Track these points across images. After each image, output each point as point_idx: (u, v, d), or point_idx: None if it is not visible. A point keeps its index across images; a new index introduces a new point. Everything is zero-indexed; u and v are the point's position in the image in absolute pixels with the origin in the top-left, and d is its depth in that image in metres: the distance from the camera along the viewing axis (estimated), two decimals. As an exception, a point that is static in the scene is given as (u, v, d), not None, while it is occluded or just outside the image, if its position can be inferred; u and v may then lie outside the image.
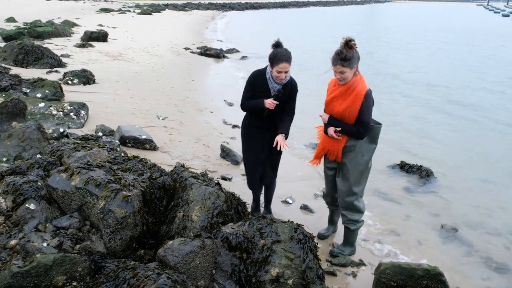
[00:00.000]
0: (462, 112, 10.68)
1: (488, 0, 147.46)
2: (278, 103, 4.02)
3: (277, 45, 3.98)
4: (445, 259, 4.51)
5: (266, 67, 4.13)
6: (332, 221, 4.62)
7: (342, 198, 4.05)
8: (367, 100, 3.65)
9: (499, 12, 77.79)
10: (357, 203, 4.01)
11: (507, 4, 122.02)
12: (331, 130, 3.82)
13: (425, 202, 5.78)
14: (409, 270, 3.42)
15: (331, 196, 4.33)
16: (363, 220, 4.19)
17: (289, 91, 4.12)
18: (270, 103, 3.99)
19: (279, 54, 3.89)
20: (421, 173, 6.44)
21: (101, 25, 21.85)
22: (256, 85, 4.14)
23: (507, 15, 67.01)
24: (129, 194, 3.25)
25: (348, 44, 3.56)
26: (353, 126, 3.74)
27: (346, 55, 3.54)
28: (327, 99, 3.90)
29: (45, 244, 3.17)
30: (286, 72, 3.95)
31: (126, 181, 3.43)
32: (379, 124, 3.89)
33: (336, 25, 39.74)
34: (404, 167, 6.70)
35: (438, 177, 6.48)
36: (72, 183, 3.39)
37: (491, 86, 14.05)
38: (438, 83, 14.15)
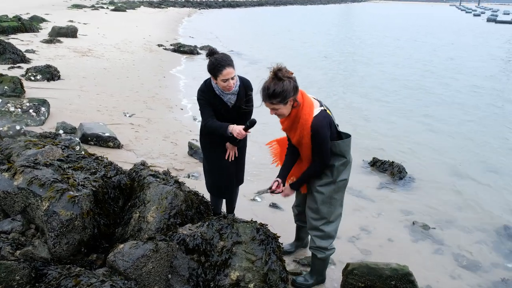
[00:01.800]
0: (431, 108, 10.70)
1: (460, 0, 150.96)
2: (250, 132, 3.50)
3: (212, 52, 3.49)
4: (416, 257, 4.40)
5: (209, 82, 3.64)
6: (298, 238, 4.07)
7: (308, 219, 3.46)
8: (317, 131, 3.04)
9: (470, 12, 79.46)
10: (325, 228, 3.37)
11: (478, 4, 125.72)
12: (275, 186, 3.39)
13: (397, 199, 5.68)
14: (377, 270, 3.28)
15: (299, 210, 3.78)
16: (334, 248, 3.50)
17: (245, 95, 3.66)
18: (239, 133, 3.42)
19: (219, 60, 3.39)
20: (393, 170, 6.33)
21: (71, 21, 21.21)
22: (211, 103, 3.63)
23: (478, 15, 68.71)
24: (76, 194, 3.00)
25: (277, 76, 2.92)
26: (309, 169, 3.24)
27: (274, 90, 2.91)
28: (282, 129, 3.35)
29: (-18, 251, 2.90)
30: (233, 79, 3.45)
31: (75, 181, 3.17)
32: (348, 136, 3.28)
33: (313, 23, 39.83)
34: (376, 163, 6.59)
35: (410, 174, 6.39)
36: (14, 183, 3.12)
37: (462, 81, 14.18)
38: (410, 80, 14.22)
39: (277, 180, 3.43)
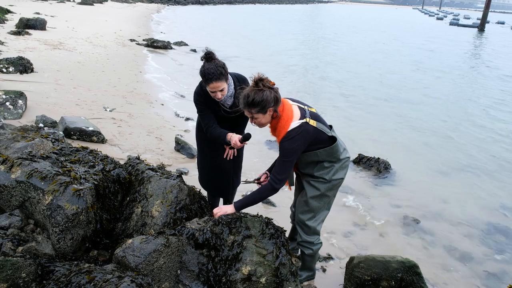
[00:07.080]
0: (410, 105, 10.96)
1: (423, 4, 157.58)
2: (246, 143, 3.46)
3: (208, 57, 3.27)
4: (410, 250, 4.48)
5: (203, 84, 3.46)
6: (292, 238, 3.98)
7: (297, 212, 3.47)
8: (282, 146, 2.99)
9: (433, 16, 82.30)
10: (311, 223, 3.36)
11: (440, 8, 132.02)
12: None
13: (385, 194, 5.77)
14: (384, 263, 3.30)
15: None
16: (321, 242, 3.50)
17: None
18: (235, 143, 3.34)
19: (207, 73, 3.21)
20: (379, 166, 6.43)
21: (38, 13, 20.41)
22: (207, 104, 3.53)
23: (441, 18, 71.61)
24: (81, 187, 2.87)
25: (258, 85, 2.88)
26: (258, 190, 3.14)
27: (254, 99, 2.85)
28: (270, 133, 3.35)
29: (-21, 248, 2.72)
30: (221, 91, 3.30)
31: (77, 174, 3.04)
32: (333, 143, 3.17)
33: (281, 21, 40.05)
34: (362, 160, 6.67)
35: (395, 169, 6.51)
36: (12, 176, 2.96)
37: (440, 79, 14.61)
38: (385, 77, 14.53)
39: (266, 173, 3.46)
